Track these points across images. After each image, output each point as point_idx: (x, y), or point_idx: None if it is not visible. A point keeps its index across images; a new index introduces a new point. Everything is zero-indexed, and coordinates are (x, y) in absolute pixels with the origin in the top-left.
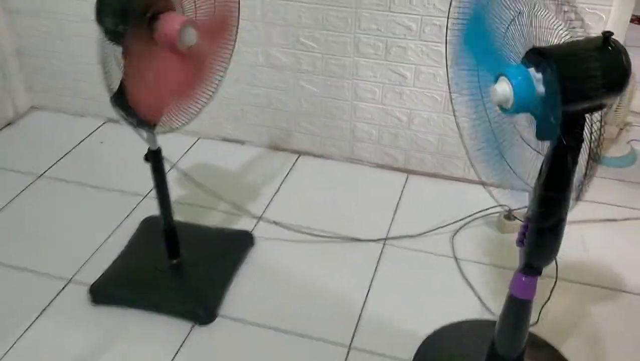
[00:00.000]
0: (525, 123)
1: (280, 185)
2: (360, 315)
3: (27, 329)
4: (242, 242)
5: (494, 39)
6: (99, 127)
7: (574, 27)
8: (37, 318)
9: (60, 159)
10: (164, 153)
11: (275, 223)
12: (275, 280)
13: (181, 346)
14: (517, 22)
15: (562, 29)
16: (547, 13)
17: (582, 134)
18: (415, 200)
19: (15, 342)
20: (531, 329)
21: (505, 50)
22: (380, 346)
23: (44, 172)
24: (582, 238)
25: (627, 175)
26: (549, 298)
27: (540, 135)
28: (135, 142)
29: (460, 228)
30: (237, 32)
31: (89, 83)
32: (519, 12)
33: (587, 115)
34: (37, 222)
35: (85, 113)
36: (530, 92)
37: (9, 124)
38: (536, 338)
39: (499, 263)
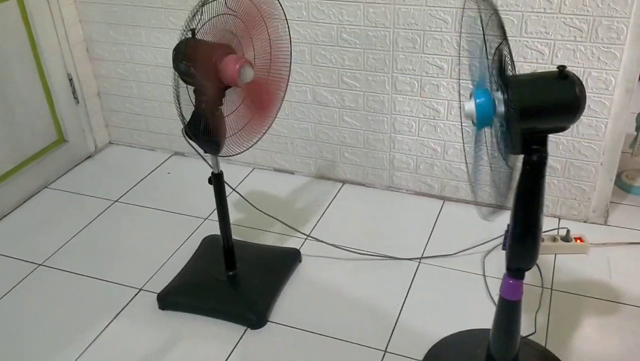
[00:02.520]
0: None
1: (326, 210)
2: (395, 324)
3: (104, 329)
4: (290, 258)
5: (481, 67)
6: (167, 159)
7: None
8: (112, 320)
9: (133, 187)
10: (225, 180)
11: (320, 241)
12: (319, 291)
13: (235, 346)
14: (495, 55)
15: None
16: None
17: (544, 150)
18: (450, 224)
19: (93, 340)
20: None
21: (487, 75)
22: (412, 351)
23: (119, 198)
24: (607, 259)
25: None
26: (539, 307)
27: (509, 150)
28: (197, 173)
29: (493, 248)
30: (289, 75)
31: (159, 121)
32: (497, 48)
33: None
34: (113, 239)
35: (155, 147)
36: (489, 111)
37: (89, 157)
38: (549, 353)
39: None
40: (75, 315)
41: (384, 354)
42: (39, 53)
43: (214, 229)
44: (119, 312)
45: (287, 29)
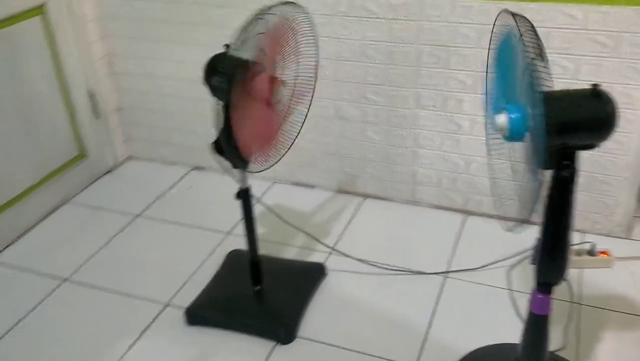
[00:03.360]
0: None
1: (348, 224)
2: (424, 338)
3: (131, 345)
4: (315, 273)
5: (512, 81)
6: (187, 173)
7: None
8: (139, 336)
9: (154, 202)
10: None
11: (346, 256)
12: (346, 306)
13: None
14: (526, 71)
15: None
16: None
17: (574, 166)
18: (474, 238)
19: (121, 357)
20: (561, 354)
21: (519, 90)
22: None
23: (141, 213)
24: (632, 273)
25: None
26: (568, 322)
27: (540, 165)
28: (217, 187)
29: (518, 263)
30: (313, 92)
31: (179, 135)
32: (529, 63)
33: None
34: (136, 254)
35: (175, 162)
36: (522, 125)
37: (109, 171)
38: None
39: None
40: (102, 331)
41: None
42: (62, 69)
43: (237, 243)
44: (146, 328)
45: (316, 50)
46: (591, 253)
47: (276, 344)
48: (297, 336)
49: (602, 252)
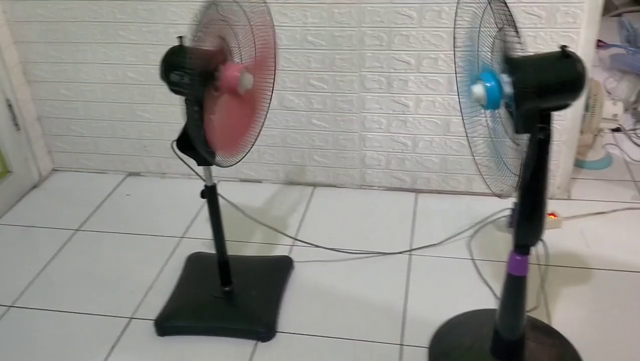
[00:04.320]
0: (509, 122)
1: (303, 215)
2: (404, 317)
3: None
4: (284, 266)
5: (482, 52)
6: (122, 181)
7: (515, 48)
8: (109, 354)
9: (93, 213)
10: (188, 197)
11: (311, 245)
12: (320, 295)
13: None
14: (496, 40)
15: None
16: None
17: (549, 128)
18: (428, 215)
19: None
20: (533, 314)
21: (490, 60)
22: (427, 341)
23: (80, 226)
24: (580, 230)
25: (606, 175)
26: (543, 282)
27: (517, 129)
28: (158, 192)
29: (475, 233)
30: (275, 74)
31: (110, 142)
32: (498, 30)
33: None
34: (86, 269)
35: (106, 170)
36: (498, 92)
37: (35, 187)
38: (540, 323)
39: None
40: (66, 354)
41: (401, 347)
42: None
43: (194, 247)
44: (113, 346)
45: (273, 36)
46: None
47: (257, 342)
48: (277, 331)
49: (551, 214)
